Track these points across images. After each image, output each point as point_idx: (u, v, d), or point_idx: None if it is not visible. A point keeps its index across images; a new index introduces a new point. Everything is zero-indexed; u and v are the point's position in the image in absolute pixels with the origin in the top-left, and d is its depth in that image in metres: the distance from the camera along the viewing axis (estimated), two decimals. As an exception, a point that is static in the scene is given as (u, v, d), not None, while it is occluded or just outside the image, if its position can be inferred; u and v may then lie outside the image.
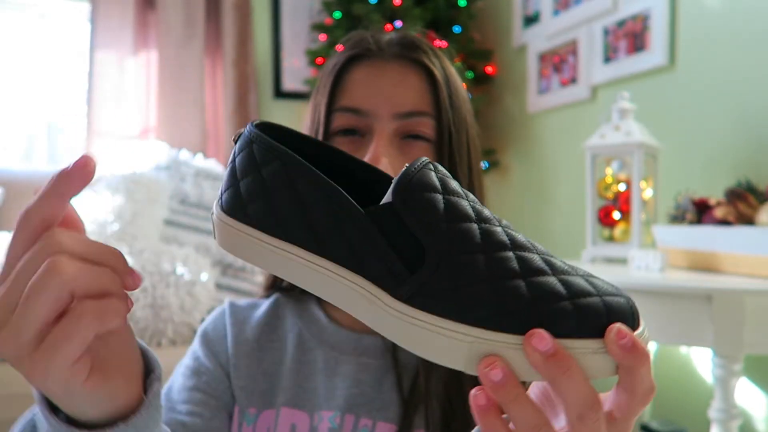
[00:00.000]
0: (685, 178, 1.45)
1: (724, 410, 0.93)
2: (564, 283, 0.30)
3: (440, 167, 0.34)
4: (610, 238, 1.38)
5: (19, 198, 1.90)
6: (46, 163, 2.34)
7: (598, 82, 1.75)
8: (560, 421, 0.33)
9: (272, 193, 0.33)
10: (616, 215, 1.37)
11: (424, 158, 0.33)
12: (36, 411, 0.37)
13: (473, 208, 0.32)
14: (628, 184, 1.35)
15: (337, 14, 2.09)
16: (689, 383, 1.45)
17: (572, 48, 1.87)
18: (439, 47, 0.64)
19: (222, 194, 0.35)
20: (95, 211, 1.75)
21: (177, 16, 2.35)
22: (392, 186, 0.31)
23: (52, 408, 0.34)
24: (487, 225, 0.31)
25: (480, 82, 2.20)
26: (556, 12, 1.93)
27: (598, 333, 0.28)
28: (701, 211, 1.16)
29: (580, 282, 0.30)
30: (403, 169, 0.32)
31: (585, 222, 1.41)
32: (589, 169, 1.38)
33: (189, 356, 0.62)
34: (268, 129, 0.37)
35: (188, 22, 2.37)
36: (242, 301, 0.65)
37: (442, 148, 0.57)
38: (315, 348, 0.59)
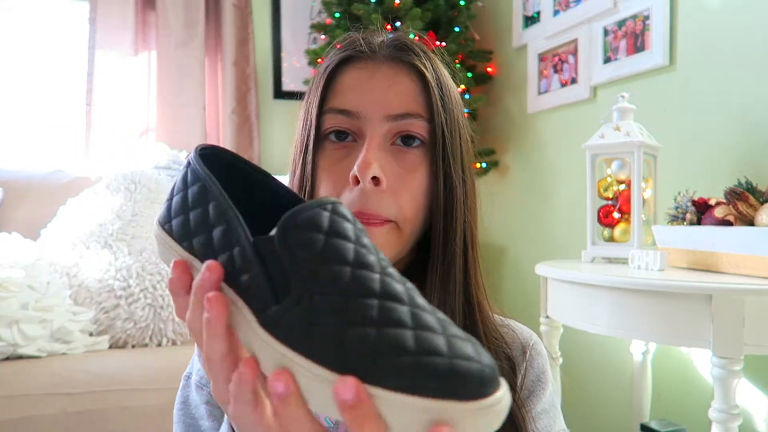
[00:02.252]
0: (685, 178, 1.45)
1: (724, 410, 0.92)
2: (418, 338, 0.30)
3: (342, 209, 0.35)
4: (610, 238, 1.38)
5: (19, 198, 1.90)
6: (45, 163, 2.33)
7: (598, 82, 1.75)
8: None
9: (190, 210, 0.38)
10: (616, 215, 1.37)
11: (328, 199, 0.35)
12: None
13: (356, 252, 0.33)
14: (628, 184, 1.35)
15: (337, 14, 2.09)
16: (689, 383, 1.45)
17: (572, 48, 1.87)
18: (435, 48, 0.63)
19: (162, 209, 0.41)
20: (95, 211, 1.75)
21: (177, 16, 2.35)
22: (280, 220, 0.33)
23: None
24: (362, 270, 0.32)
25: (480, 82, 2.20)
26: (556, 12, 1.93)
27: (434, 393, 0.28)
28: (701, 211, 1.16)
29: (437, 341, 0.30)
30: (297, 207, 0.34)
31: (585, 222, 1.41)
32: (589, 169, 1.38)
33: (194, 369, 0.63)
34: (212, 154, 0.41)
35: (188, 22, 2.36)
36: None
37: (436, 151, 0.57)
38: None
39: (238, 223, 0.35)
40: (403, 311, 0.31)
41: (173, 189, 0.40)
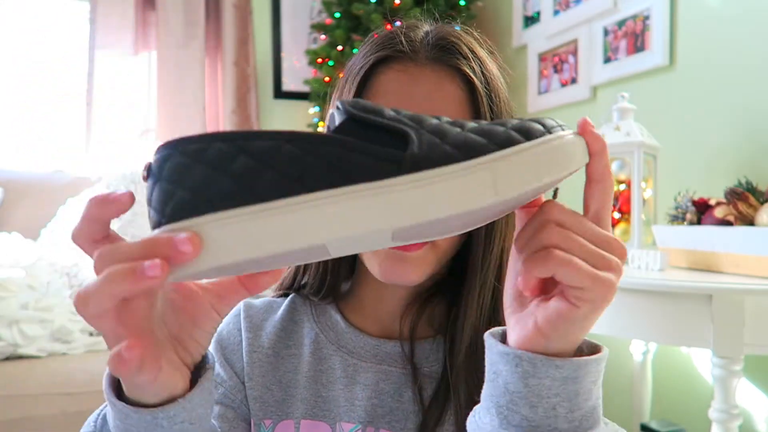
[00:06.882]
0: (685, 178, 1.45)
1: (724, 410, 0.93)
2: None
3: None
4: (610, 238, 1.38)
5: (19, 198, 1.90)
6: (45, 163, 2.33)
7: (598, 82, 1.75)
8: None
9: (222, 169, 0.31)
10: (616, 215, 1.37)
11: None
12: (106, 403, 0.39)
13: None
14: (628, 184, 1.35)
15: (337, 14, 2.09)
16: (689, 383, 1.45)
17: (572, 48, 1.87)
18: (483, 40, 0.57)
19: (163, 211, 0.31)
20: (95, 211, 1.75)
21: (177, 16, 2.35)
22: (339, 109, 0.34)
23: (119, 392, 0.36)
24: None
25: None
26: (556, 12, 1.93)
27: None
28: (701, 211, 1.16)
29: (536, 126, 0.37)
30: (336, 109, 0.34)
31: (585, 222, 1.41)
32: (589, 169, 1.38)
33: None
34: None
35: (188, 22, 2.37)
36: (258, 301, 0.62)
37: None
38: (333, 355, 0.57)
39: (297, 132, 0.32)
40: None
41: (172, 179, 0.32)
